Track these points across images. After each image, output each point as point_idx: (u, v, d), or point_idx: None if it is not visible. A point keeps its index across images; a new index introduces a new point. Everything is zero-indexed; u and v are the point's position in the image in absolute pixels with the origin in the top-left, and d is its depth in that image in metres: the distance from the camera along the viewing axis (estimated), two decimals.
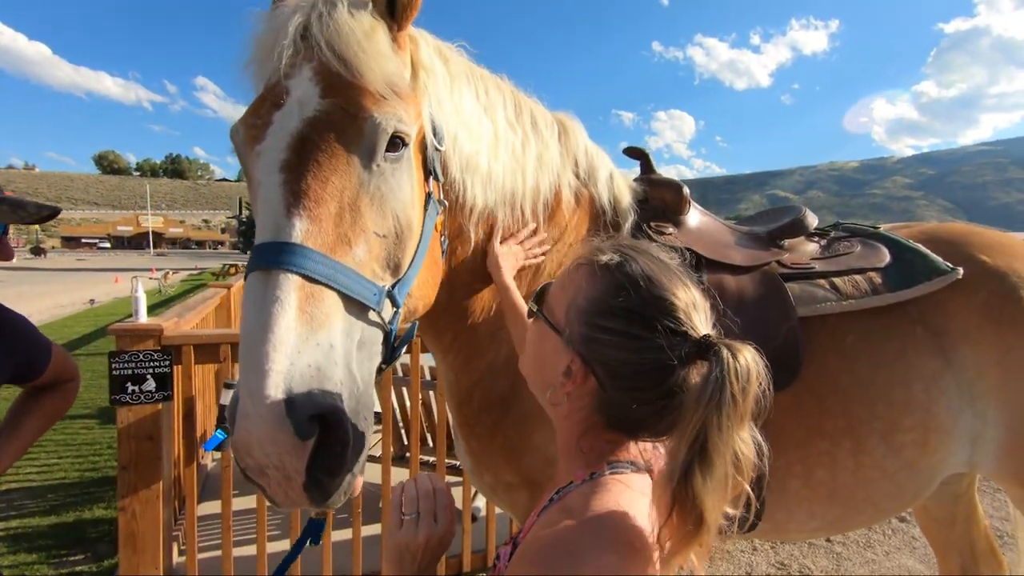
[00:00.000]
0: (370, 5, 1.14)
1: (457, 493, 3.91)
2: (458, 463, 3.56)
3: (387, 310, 1.09)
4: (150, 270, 31.88)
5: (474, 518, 3.60)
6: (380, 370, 1.12)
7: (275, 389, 0.84)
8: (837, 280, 1.65)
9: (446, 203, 1.35)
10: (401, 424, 4.02)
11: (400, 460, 3.81)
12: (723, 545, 0.78)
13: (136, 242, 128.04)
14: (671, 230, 1.70)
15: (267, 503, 2.86)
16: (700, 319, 0.83)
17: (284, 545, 3.37)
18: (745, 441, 0.75)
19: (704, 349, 0.78)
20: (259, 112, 1.09)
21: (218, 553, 2.88)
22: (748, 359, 0.75)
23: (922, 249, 1.66)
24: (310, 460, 0.86)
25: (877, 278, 1.64)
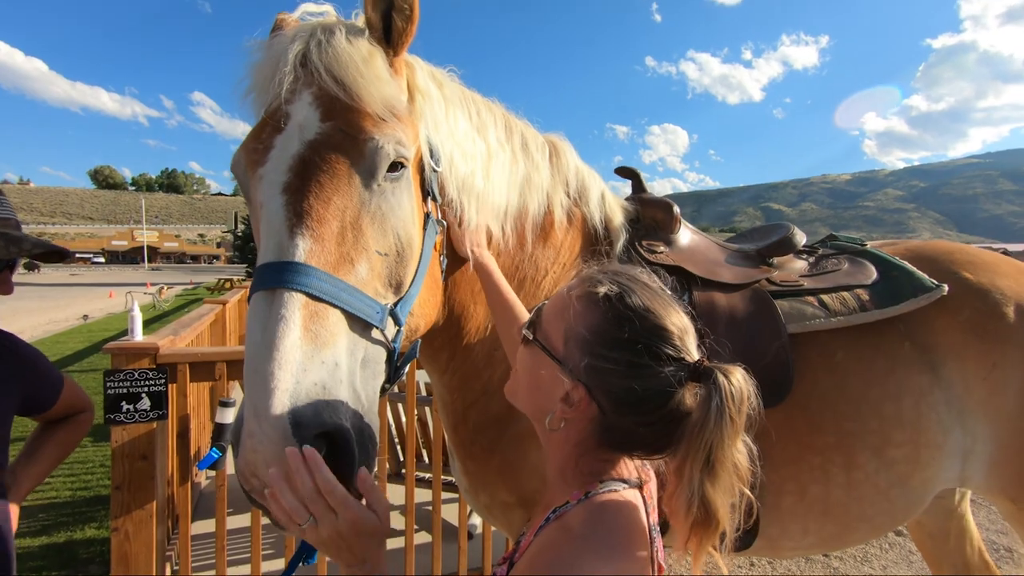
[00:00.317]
0: (367, 32, 1.17)
1: (453, 511, 3.89)
2: (454, 480, 3.55)
3: (390, 328, 1.10)
4: (145, 285, 31.73)
5: (470, 536, 3.58)
6: (384, 389, 1.13)
7: (281, 407, 0.85)
8: (825, 297, 1.67)
9: (444, 223, 1.37)
10: (397, 441, 4.01)
11: (396, 477, 3.79)
12: (724, 559, 0.87)
13: (130, 257, 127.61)
14: (663, 249, 1.72)
15: (262, 522, 2.84)
16: (692, 344, 0.89)
17: (279, 564, 3.34)
18: (740, 451, 0.85)
19: (700, 373, 0.84)
20: (260, 137, 1.11)
21: (212, 573, 2.86)
22: (740, 380, 0.83)
23: (908, 266, 1.69)
24: None
25: (865, 295, 1.67)
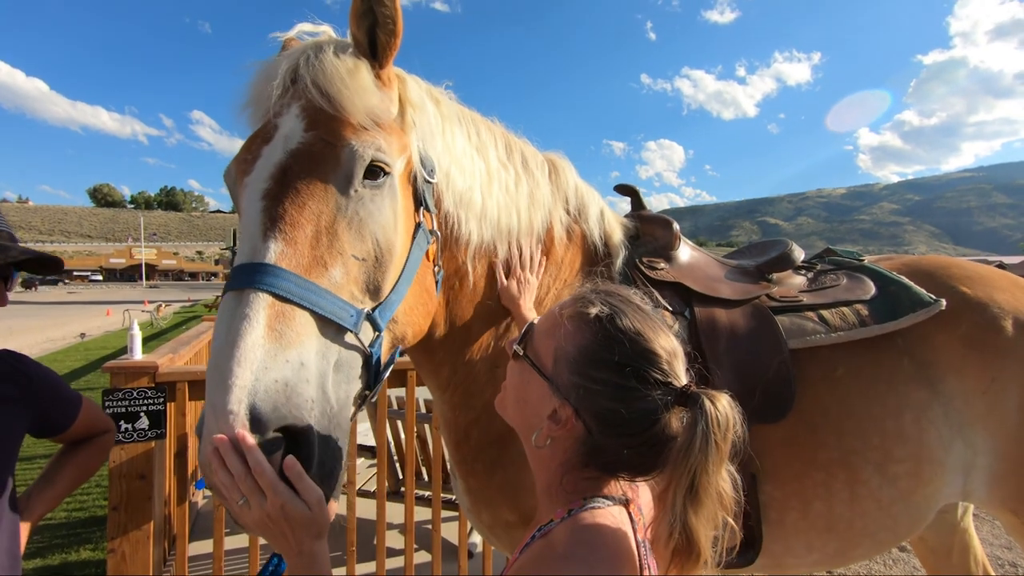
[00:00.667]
0: (352, 48, 1.21)
1: (453, 529, 3.85)
2: (455, 498, 3.52)
3: (367, 333, 1.10)
4: (142, 302, 31.65)
5: (470, 555, 3.54)
6: (365, 397, 1.13)
7: (238, 404, 0.85)
8: (825, 313, 1.68)
9: (439, 234, 1.37)
10: (396, 458, 3.98)
11: (396, 495, 3.76)
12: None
13: (128, 274, 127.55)
14: (663, 265, 1.74)
15: (260, 542, 2.81)
16: (680, 368, 0.90)
17: None
18: (725, 479, 0.84)
19: (687, 398, 0.85)
20: (251, 148, 1.15)
21: None
22: (725, 406, 0.83)
23: (905, 281, 1.70)
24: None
25: (864, 310, 1.68)
